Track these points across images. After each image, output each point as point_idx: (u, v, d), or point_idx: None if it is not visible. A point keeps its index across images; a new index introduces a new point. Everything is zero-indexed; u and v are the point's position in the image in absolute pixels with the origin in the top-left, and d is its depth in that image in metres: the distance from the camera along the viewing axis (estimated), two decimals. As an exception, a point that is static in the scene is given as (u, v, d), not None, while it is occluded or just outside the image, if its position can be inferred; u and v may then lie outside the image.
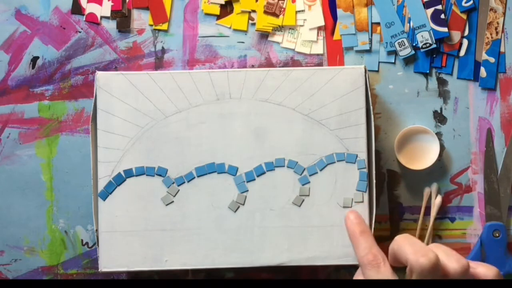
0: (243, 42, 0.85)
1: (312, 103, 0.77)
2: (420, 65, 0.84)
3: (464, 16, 0.83)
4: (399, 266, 0.69)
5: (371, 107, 0.77)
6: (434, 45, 0.83)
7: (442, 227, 0.84)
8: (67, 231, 0.84)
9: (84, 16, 0.85)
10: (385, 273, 0.69)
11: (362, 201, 0.77)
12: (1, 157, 0.84)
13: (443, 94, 0.84)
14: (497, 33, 0.83)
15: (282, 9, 0.84)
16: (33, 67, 0.85)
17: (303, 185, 0.77)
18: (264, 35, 0.85)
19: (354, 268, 0.84)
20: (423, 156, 0.83)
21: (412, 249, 0.65)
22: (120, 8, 0.85)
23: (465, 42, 0.84)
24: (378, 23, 0.84)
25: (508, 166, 0.83)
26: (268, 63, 0.84)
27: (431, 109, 0.84)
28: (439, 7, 0.83)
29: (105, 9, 0.85)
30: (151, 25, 0.85)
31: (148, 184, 0.77)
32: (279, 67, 0.84)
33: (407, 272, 0.66)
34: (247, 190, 0.77)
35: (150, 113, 0.77)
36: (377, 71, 0.84)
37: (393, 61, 0.84)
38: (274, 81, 0.78)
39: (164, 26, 0.85)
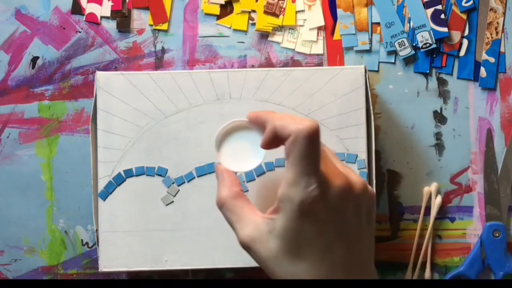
0: (243, 42, 0.85)
1: (312, 103, 0.77)
2: (420, 65, 0.84)
3: (464, 16, 0.83)
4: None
5: (371, 107, 0.77)
6: (434, 45, 0.83)
7: (442, 227, 0.84)
8: (67, 231, 0.84)
9: (84, 16, 0.85)
10: None
11: (362, 201, 0.77)
12: (1, 157, 0.84)
13: (443, 94, 0.84)
14: (497, 33, 0.83)
15: (282, 9, 0.84)
16: (33, 67, 0.85)
17: (303, 185, 0.77)
18: (264, 35, 0.85)
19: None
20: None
21: (294, 120, 0.59)
22: (120, 8, 0.85)
23: (465, 42, 0.84)
24: (378, 23, 0.84)
25: (508, 166, 0.83)
26: (268, 63, 0.84)
27: (431, 109, 0.84)
28: (439, 7, 0.83)
29: (105, 9, 0.85)
30: (151, 25, 0.85)
31: (148, 184, 0.77)
32: (279, 67, 0.84)
33: (286, 147, 0.59)
34: (247, 190, 0.77)
35: (150, 113, 0.77)
36: (377, 71, 0.84)
37: (393, 61, 0.84)
38: (274, 81, 0.78)
39: (164, 26, 0.85)
